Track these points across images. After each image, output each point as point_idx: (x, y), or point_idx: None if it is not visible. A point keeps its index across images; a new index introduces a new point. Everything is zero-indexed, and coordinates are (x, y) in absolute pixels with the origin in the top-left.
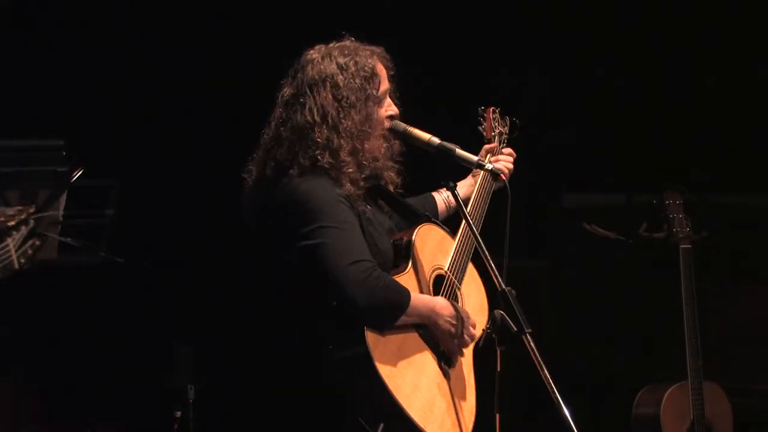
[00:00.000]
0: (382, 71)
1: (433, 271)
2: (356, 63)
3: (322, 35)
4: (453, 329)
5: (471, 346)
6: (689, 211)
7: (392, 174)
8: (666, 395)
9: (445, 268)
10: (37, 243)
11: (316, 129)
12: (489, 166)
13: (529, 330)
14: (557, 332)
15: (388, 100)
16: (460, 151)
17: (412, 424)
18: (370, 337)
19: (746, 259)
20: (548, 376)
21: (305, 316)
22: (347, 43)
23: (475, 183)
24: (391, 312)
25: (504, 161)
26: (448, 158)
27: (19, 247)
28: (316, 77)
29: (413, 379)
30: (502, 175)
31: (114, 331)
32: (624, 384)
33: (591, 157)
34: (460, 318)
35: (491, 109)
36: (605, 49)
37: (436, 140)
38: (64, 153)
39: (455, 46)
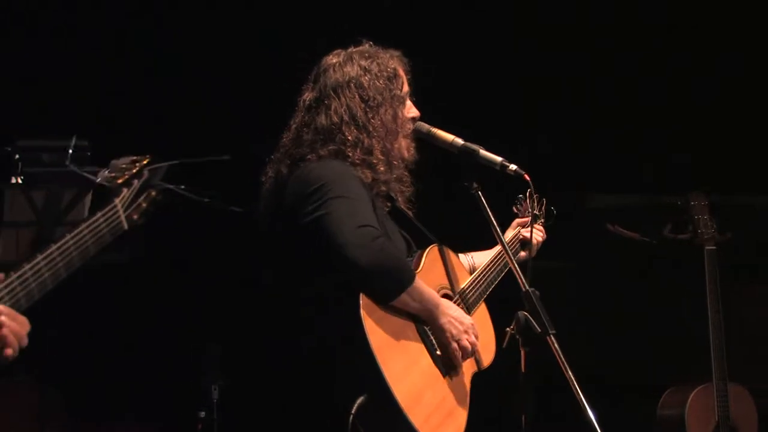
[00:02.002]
0: (402, 73)
1: (440, 289)
2: (378, 65)
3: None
4: (454, 330)
5: (471, 372)
6: (714, 213)
7: (403, 187)
8: (691, 397)
9: (454, 292)
10: (153, 194)
11: (344, 128)
12: (513, 167)
13: (553, 331)
14: (581, 333)
15: (410, 102)
16: (483, 152)
17: (395, 406)
18: (365, 305)
19: None
20: (572, 377)
21: (303, 295)
22: (366, 47)
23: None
24: (392, 282)
25: (535, 234)
26: (471, 159)
27: (129, 206)
28: (340, 80)
29: (405, 364)
30: (533, 240)
31: (140, 332)
32: (648, 385)
33: (615, 158)
34: (464, 323)
35: (528, 192)
36: (630, 48)
37: (459, 141)
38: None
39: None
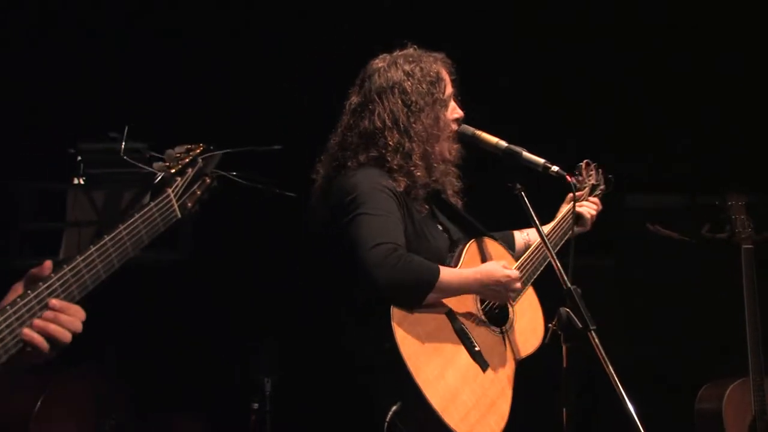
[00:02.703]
0: (446, 76)
1: None
2: (421, 69)
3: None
4: (496, 294)
5: (515, 360)
6: (751, 212)
7: (453, 180)
8: (728, 391)
9: None
10: (208, 181)
11: (386, 133)
12: (555, 168)
13: (594, 327)
14: (621, 329)
15: (453, 104)
16: (526, 154)
17: (430, 409)
18: (396, 315)
19: None
20: (613, 371)
21: (343, 301)
22: (410, 50)
23: (560, 215)
24: (415, 289)
25: (588, 207)
26: (515, 161)
27: (182, 194)
28: (384, 85)
29: (439, 368)
30: (587, 214)
31: (196, 327)
32: (687, 380)
33: (654, 158)
34: (494, 277)
35: (585, 162)
36: (683, 49)
37: (503, 144)
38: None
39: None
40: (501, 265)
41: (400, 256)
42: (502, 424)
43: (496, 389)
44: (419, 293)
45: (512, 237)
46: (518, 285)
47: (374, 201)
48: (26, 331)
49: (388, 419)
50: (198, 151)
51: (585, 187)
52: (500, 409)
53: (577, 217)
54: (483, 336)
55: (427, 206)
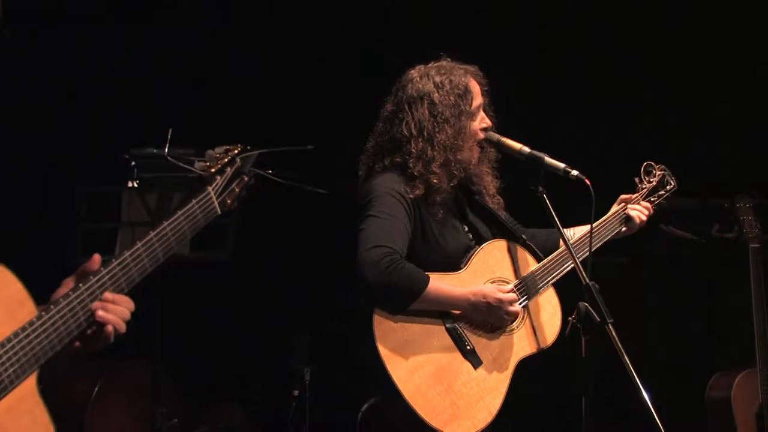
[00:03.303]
0: (475, 87)
1: (492, 281)
2: (451, 81)
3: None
4: (484, 316)
5: (520, 355)
6: (759, 213)
7: (488, 179)
8: (737, 380)
9: (510, 281)
10: (246, 180)
11: (412, 141)
12: (575, 173)
13: (611, 320)
14: (637, 323)
15: (482, 114)
16: (548, 159)
17: (404, 404)
18: (378, 317)
19: None
20: (629, 362)
21: (352, 301)
22: (444, 63)
23: (609, 213)
24: (401, 294)
25: (638, 211)
26: (537, 165)
27: (222, 192)
28: (415, 95)
29: (418, 363)
30: (636, 218)
31: (241, 322)
32: (698, 370)
33: (666, 163)
34: (488, 297)
35: (650, 163)
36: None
37: (526, 149)
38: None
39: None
40: (497, 288)
41: (394, 260)
42: (489, 419)
43: (488, 386)
44: (404, 300)
45: (561, 233)
46: (513, 308)
47: (384, 205)
48: (96, 306)
49: (361, 413)
50: (236, 151)
51: (643, 189)
52: (489, 405)
53: (627, 219)
54: (479, 335)
55: (448, 209)
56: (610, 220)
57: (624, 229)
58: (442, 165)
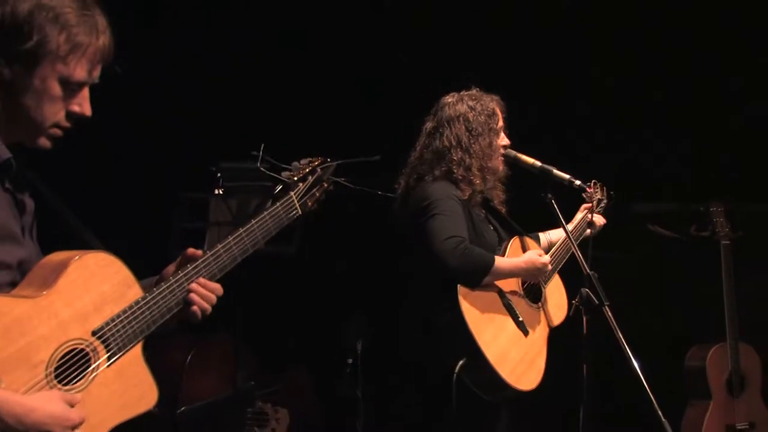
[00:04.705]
0: (499, 112)
1: None
2: (481, 104)
3: None
4: (534, 277)
5: (547, 328)
6: (729, 216)
7: (499, 192)
8: (710, 352)
9: None
10: (326, 186)
11: (452, 151)
12: (578, 182)
13: (608, 303)
14: (629, 305)
15: (503, 134)
16: (556, 172)
17: (488, 364)
18: (461, 291)
19: None
20: (622, 337)
21: (421, 283)
22: (473, 91)
23: (576, 220)
24: (476, 272)
25: (597, 218)
26: (547, 177)
27: (303, 196)
28: (452, 114)
29: (494, 332)
30: (597, 222)
31: (307, 304)
32: (678, 343)
33: (655, 173)
34: (538, 267)
35: (593, 182)
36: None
37: (538, 163)
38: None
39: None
40: (537, 254)
41: (466, 247)
42: (540, 375)
43: (536, 350)
44: (479, 276)
45: (538, 237)
46: (549, 268)
47: (445, 205)
48: (190, 288)
49: (456, 371)
50: (317, 162)
51: (594, 200)
52: (538, 365)
53: (590, 223)
54: (524, 309)
55: (483, 210)
56: (580, 224)
57: (588, 231)
58: (479, 169)
